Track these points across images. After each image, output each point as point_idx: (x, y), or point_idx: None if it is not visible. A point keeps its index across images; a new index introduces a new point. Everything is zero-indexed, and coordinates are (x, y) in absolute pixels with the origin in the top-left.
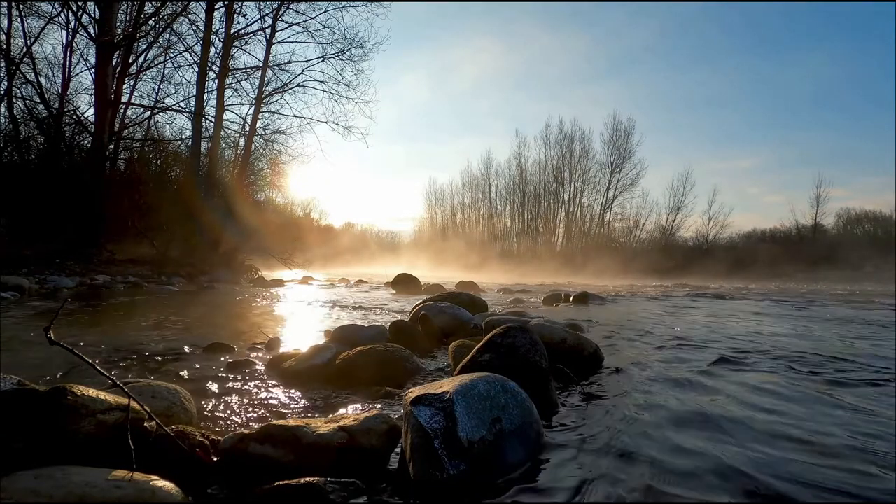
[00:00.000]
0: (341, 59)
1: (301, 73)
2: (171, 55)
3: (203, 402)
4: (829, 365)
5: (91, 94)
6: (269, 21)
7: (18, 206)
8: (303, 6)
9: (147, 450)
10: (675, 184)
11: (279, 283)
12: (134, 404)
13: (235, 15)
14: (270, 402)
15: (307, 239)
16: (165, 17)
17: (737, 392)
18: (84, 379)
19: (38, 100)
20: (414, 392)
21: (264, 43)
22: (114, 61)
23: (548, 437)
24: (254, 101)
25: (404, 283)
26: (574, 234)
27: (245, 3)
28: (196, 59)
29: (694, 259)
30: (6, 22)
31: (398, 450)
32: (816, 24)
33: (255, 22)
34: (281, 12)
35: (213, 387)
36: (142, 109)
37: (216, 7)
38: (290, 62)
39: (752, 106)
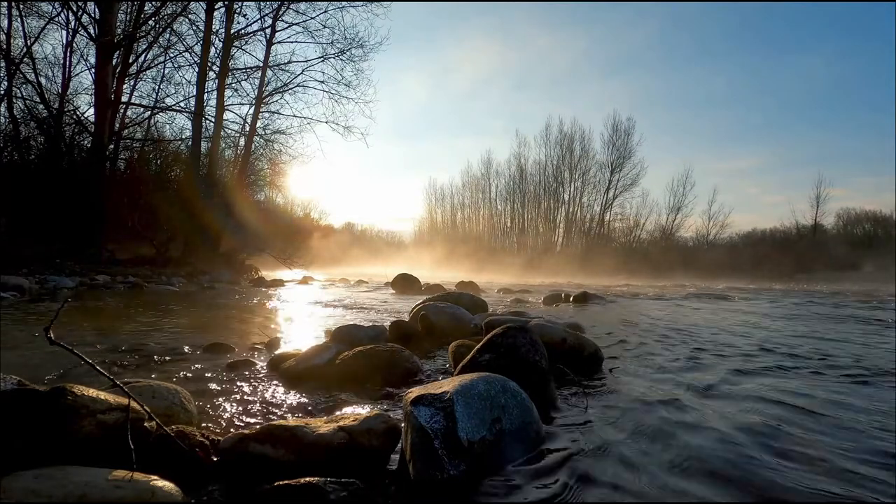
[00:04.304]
0: (341, 59)
1: (301, 73)
2: (171, 55)
3: (203, 402)
4: (831, 365)
5: (91, 94)
6: (269, 21)
7: (19, 205)
8: (303, 6)
9: (147, 450)
10: (675, 184)
11: (279, 283)
12: (134, 404)
13: (235, 15)
14: (270, 402)
15: (307, 239)
16: (165, 17)
17: (736, 392)
18: (84, 379)
19: (38, 100)
20: (414, 392)
21: (264, 43)
22: (114, 61)
23: (548, 438)
24: (254, 101)
25: (404, 283)
26: (574, 235)
27: (245, 3)
28: (196, 59)
29: (694, 259)
30: (6, 22)
31: (398, 450)
32: (815, 24)
33: (255, 22)
34: (281, 12)
35: (213, 387)
36: (142, 109)
37: (216, 7)
38: (290, 62)
39: (751, 106)
